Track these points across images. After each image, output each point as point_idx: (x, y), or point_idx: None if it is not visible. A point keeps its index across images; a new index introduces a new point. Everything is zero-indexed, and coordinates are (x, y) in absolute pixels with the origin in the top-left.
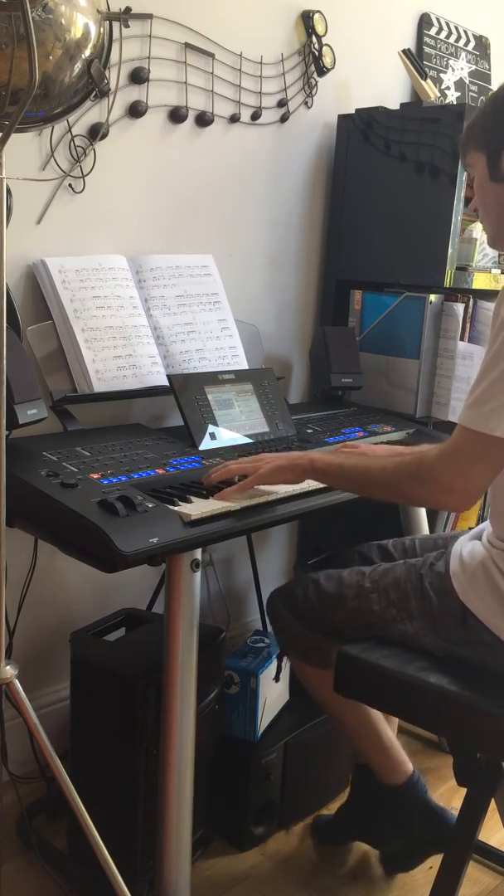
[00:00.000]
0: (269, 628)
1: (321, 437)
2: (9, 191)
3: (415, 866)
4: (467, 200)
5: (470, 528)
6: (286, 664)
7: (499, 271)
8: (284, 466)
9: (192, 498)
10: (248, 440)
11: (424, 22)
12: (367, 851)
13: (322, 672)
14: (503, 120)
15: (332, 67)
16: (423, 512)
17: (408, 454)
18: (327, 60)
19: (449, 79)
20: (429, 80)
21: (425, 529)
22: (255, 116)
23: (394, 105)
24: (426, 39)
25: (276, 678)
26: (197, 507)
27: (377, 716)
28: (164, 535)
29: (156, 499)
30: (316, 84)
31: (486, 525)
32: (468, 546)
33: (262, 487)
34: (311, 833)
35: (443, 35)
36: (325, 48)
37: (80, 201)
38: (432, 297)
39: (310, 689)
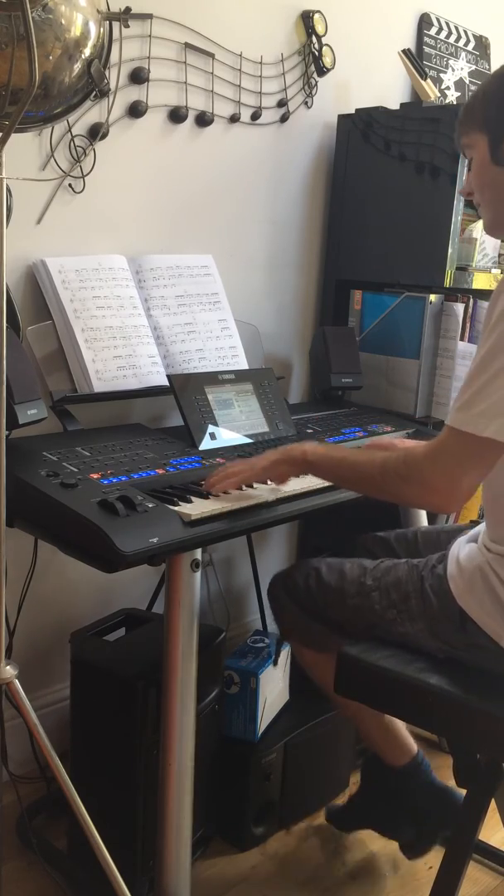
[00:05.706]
0: (270, 619)
1: (321, 437)
2: (9, 191)
3: (430, 849)
4: (468, 200)
5: (471, 522)
6: (286, 654)
7: (499, 271)
8: (280, 459)
9: (192, 498)
10: (248, 440)
11: (424, 22)
12: (368, 851)
13: (322, 655)
14: None
15: (332, 67)
16: (422, 511)
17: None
18: (327, 60)
19: (449, 79)
20: (429, 80)
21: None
22: (255, 116)
23: (394, 105)
24: (426, 39)
25: (275, 662)
26: (197, 507)
27: None
28: (164, 535)
29: (156, 499)
30: (316, 84)
31: (483, 527)
32: (465, 549)
33: (258, 487)
34: (325, 818)
35: (443, 35)
36: (325, 48)
37: (80, 201)
38: (432, 297)
39: (310, 673)
